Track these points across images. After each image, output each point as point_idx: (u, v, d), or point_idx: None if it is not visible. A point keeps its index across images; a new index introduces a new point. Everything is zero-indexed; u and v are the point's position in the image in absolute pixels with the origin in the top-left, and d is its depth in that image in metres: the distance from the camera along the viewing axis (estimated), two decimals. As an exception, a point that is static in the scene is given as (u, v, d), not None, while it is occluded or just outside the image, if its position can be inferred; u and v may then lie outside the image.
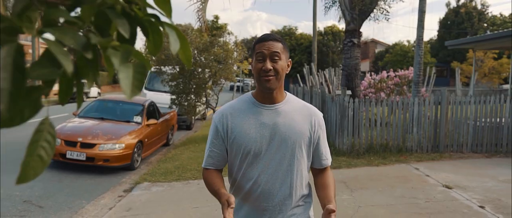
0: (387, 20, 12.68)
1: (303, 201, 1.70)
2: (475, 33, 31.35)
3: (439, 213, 4.23)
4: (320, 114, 1.72)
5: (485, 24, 35.53)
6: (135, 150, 7.19)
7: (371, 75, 11.43)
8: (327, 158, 1.73)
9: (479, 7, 36.87)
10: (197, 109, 11.18)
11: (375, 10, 9.23)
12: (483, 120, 7.47)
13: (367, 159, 6.91)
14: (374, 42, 44.39)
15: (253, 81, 40.10)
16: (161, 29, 0.64)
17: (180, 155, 8.00)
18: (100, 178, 6.59)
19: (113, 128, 7.41)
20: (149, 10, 0.64)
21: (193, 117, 12.05)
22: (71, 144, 6.76)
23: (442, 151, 7.31)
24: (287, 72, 1.62)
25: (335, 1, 10.30)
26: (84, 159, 6.67)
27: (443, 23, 38.41)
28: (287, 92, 1.70)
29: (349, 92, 8.46)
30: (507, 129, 7.37)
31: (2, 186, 5.50)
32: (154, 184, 6.01)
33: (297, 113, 1.64)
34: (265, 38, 1.58)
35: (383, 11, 9.45)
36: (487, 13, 37.00)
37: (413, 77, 8.74)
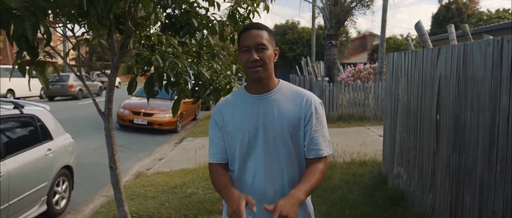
0: (355, 28, 15.90)
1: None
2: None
3: (367, 144, 7.42)
4: (315, 98, 1.58)
5: (474, 20, 38.27)
6: (178, 119, 10.42)
7: (363, 65, 14.58)
8: (320, 148, 1.52)
9: (468, 3, 39.60)
10: (215, 93, 14.44)
11: (348, 20, 12.51)
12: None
13: (337, 124, 10.11)
14: (372, 35, 46.72)
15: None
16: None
17: (208, 122, 11.25)
18: (157, 137, 9.80)
19: (163, 103, 10.58)
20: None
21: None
22: (137, 113, 10.01)
23: (391, 119, 10.47)
24: (275, 60, 1.54)
25: (320, 12, 13.53)
26: (146, 123, 9.92)
27: (435, 18, 41.14)
28: (280, 80, 1.63)
29: (327, 78, 11.65)
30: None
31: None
32: (196, 138, 9.24)
33: (289, 100, 1.54)
34: (249, 27, 1.51)
35: (352, 22, 12.74)
36: (476, 9, 39.72)
37: (377, 69, 11.89)
